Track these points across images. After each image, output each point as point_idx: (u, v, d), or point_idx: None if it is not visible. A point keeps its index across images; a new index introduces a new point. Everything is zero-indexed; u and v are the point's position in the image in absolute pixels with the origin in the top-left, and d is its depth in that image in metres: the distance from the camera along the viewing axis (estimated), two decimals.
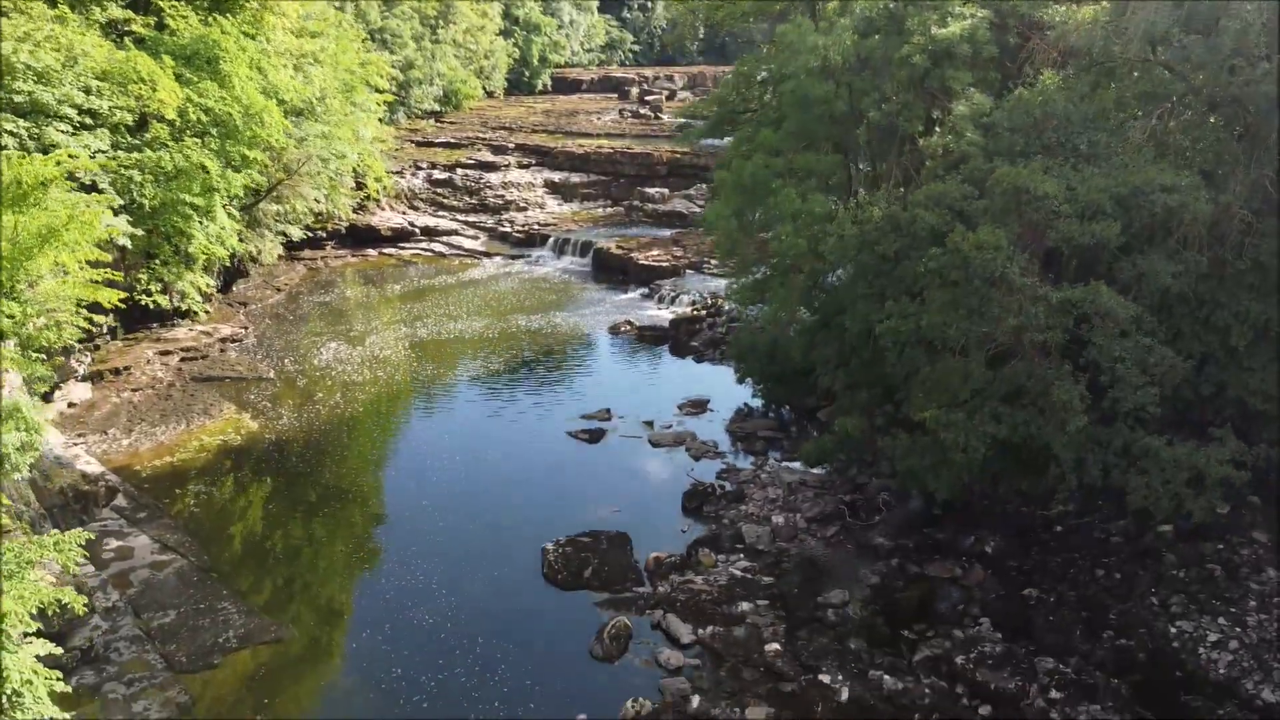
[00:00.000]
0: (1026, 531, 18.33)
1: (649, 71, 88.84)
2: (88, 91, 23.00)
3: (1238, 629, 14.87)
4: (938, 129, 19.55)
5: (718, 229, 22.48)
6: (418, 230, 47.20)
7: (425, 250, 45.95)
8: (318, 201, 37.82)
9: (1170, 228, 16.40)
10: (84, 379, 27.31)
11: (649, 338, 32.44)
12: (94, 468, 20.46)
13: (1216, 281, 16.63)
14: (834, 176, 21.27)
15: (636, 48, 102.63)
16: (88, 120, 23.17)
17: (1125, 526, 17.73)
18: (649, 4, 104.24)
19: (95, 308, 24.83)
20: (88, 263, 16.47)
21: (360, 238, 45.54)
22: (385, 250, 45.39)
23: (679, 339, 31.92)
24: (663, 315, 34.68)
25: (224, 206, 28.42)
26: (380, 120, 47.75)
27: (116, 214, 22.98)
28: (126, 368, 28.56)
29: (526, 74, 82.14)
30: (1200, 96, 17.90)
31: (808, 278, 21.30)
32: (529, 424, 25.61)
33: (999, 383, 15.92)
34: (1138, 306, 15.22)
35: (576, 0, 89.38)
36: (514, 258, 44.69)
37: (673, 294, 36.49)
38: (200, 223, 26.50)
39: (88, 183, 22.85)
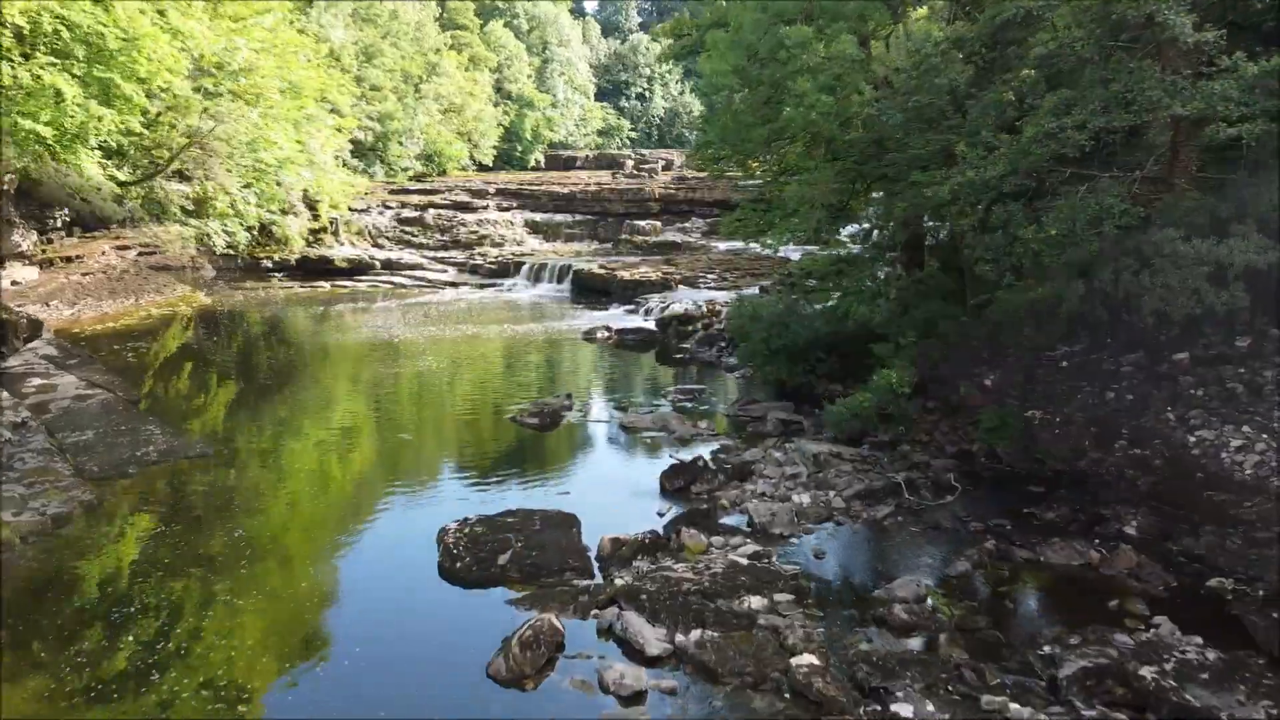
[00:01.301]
0: (1029, 369, 16.85)
1: (647, 151, 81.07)
2: None
3: (1264, 435, 13.39)
4: None
5: (715, 86, 17.54)
6: (377, 263, 41.30)
7: (385, 282, 40.00)
8: (249, 205, 31.81)
9: None
10: (32, 263, 25.87)
11: (631, 344, 25.83)
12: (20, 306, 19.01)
13: None
14: (872, 20, 16.41)
15: (634, 135, 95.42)
16: None
17: (1137, 359, 16.26)
18: (647, 94, 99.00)
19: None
20: None
21: (311, 269, 39.90)
22: (339, 282, 39.36)
23: (667, 342, 25.60)
24: (648, 325, 28.49)
25: (89, 153, 22.81)
26: (350, 169, 43.54)
27: None
28: (79, 256, 27.15)
29: (519, 149, 74.39)
30: None
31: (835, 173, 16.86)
32: (460, 412, 19.07)
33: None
34: None
35: (572, 83, 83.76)
36: (483, 286, 39.32)
37: (661, 306, 29.75)
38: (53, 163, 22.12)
39: None
